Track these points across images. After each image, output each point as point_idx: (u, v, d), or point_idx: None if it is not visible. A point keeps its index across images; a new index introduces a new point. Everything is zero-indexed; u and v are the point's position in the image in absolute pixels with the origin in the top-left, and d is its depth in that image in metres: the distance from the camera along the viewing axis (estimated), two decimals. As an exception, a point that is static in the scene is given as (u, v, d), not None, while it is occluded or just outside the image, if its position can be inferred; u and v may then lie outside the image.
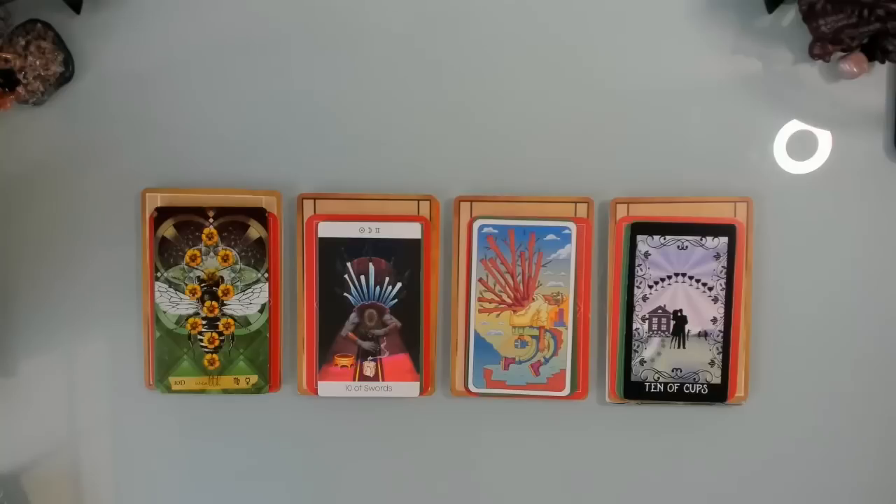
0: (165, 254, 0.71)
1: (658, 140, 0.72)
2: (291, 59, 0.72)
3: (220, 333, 0.72)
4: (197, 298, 0.71)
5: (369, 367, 0.72)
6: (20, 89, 0.70)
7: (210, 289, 0.71)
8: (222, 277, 0.71)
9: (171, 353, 0.72)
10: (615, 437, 0.74)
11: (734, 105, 0.71)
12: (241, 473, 0.75)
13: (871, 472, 0.74)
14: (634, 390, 0.72)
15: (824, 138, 0.72)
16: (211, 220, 0.71)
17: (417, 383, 0.72)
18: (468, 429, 0.74)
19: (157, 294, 0.71)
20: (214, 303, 0.71)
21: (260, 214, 0.71)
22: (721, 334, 0.71)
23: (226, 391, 0.72)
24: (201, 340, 0.72)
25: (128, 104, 0.72)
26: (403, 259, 0.71)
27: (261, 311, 0.72)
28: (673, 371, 0.71)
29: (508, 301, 0.72)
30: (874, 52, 0.68)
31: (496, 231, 0.71)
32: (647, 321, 0.71)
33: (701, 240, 0.70)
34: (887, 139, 0.71)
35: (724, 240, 0.70)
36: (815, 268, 0.72)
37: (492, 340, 0.72)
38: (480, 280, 0.72)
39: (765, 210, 0.72)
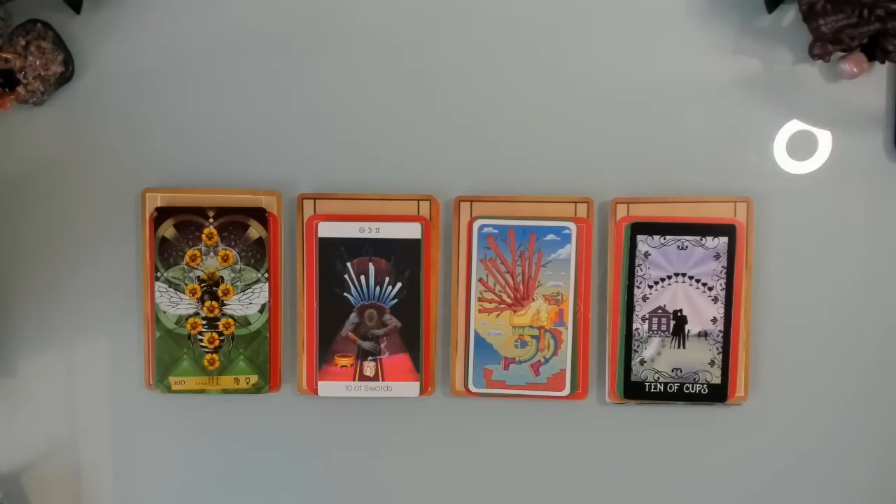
0: (165, 254, 0.71)
1: (658, 140, 0.72)
2: (292, 59, 0.72)
3: (220, 333, 0.72)
4: (197, 298, 0.71)
5: (369, 367, 0.72)
6: (20, 89, 0.70)
7: (210, 289, 0.71)
8: (222, 277, 0.71)
9: (171, 353, 0.72)
10: (615, 437, 0.74)
11: (734, 105, 0.71)
12: (240, 473, 0.75)
13: (872, 473, 0.74)
14: (634, 390, 0.72)
15: (824, 138, 0.72)
16: (211, 220, 0.71)
17: (417, 383, 0.72)
18: (468, 429, 0.74)
19: (157, 294, 0.71)
20: (214, 303, 0.71)
21: (260, 214, 0.71)
22: (721, 334, 0.71)
23: (226, 391, 0.72)
24: (201, 340, 0.72)
25: (128, 104, 0.72)
26: (403, 259, 0.71)
27: (261, 311, 0.72)
28: (673, 371, 0.71)
29: (508, 301, 0.72)
30: (874, 52, 0.68)
31: (496, 231, 0.71)
32: (647, 321, 0.71)
33: (701, 240, 0.70)
34: (887, 139, 0.71)
35: (724, 240, 0.70)
36: (816, 268, 0.72)
37: (492, 340, 0.72)
38: (480, 280, 0.72)
39: (765, 210, 0.72)
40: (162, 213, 0.71)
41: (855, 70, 0.69)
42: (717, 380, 0.71)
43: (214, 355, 0.72)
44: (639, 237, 0.71)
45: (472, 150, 0.72)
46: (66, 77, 0.71)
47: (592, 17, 0.71)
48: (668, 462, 0.74)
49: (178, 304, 0.71)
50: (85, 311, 0.73)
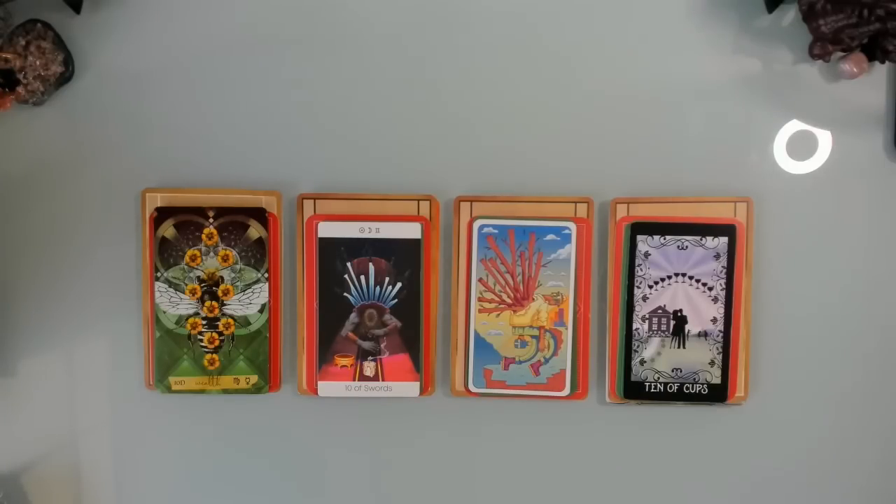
0: (165, 254, 0.71)
1: (658, 140, 0.72)
2: (292, 59, 0.72)
3: (220, 333, 0.72)
4: (197, 298, 0.71)
5: (369, 367, 0.72)
6: (20, 89, 0.70)
7: (210, 289, 0.71)
8: (222, 277, 0.71)
9: (171, 353, 0.72)
10: (615, 437, 0.74)
11: (734, 105, 0.71)
12: (240, 473, 0.75)
13: (871, 473, 0.74)
14: (634, 390, 0.72)
15: (824, 138, 0.72)
16: (211, 220, 0.71)
17: (417, 383, 0.72)
18: (468, 429, 0.74)
19: (157, 294, 0.71)
20: (214, 303, 0.71)
21: (260, 214, 0.71)
22: (721, 334, 0.71)
23: (226, 391, 0.72)
24: (201, 340, 0.72)
25: (128, 104, 0.72)
26: (403, 259, 0.71)
27: (261, 311, 0.72)
28: (673, 371, 0.71)
29: (508, 301, 0.72)
30: (874, 52, 0.68)
31: (496, 231, 0.71)
32: (647, 321, 0.71)
33: (701, 240, 0.70)
34: (887, 139, 0.71)
35: (724, 240, 0.70)
36: (816, 268, 0.72)
37: (492, 340, 0.72)
38: (480, 280, 0.72)
39: (765, 210, 0.72)
40: (162, 213, 0.71)
41: (855, 70, 0.69)
42: (717, 380, 0.71)
43: (214, 355, 0.72)
44: (639, 237, 0.71)
45: (472, 150, 0.72)
46: (66, 77, 0.71)
47: (592, 17, 0.71)
48: (668, 462, 0.74)
49: (178, 304, 0.71)
50: (85, 311, 0.73)
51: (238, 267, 0.71)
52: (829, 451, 0.74)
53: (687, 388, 0.71)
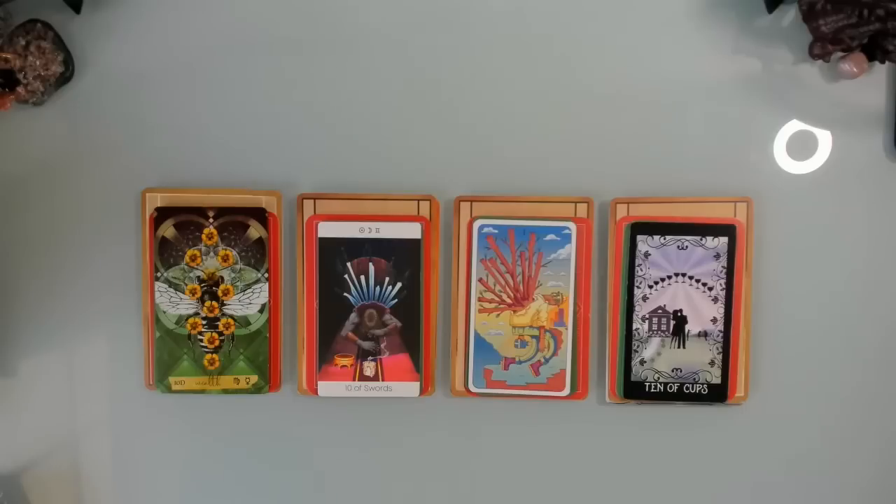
0: (165, 254, 0.71)
1: (658, 140, 0.72)
2: (292, 59, 0.72)
3: (220, 333, 0.72)
4: (197, 298, 0.71)
5: (369, 367, 0.72)
6: (20, 89, 0.70)
7: (210, 289, 0.71)
8: (222, 277, 0.71)
9: (171, 353, 0.72)
10: (615, 437, 0.74)
11: (734, 105, 0.71)
12: (240, 473, 0.75)
13: (871, 473, 0.74)
14: (634, 390, 0.72)
15: (824, 138, 0.72)
16: (211, 220, 0.71)
17: (417, 383, 0.72)
18: (468, 429, 0.74)
19: (157, 294, 0.71)
20: (214, 303, 0.71)
21: (260, 214, 0.71)
22: (721, 334, 0.71)
23: (226, 391, 0.72)
24: (201, 340, 0.72)
25: (128, 104, 0.72)
26: (403, 259, 0.71)
27: (261, 311, 0.72)
28: (673, 371, 0.71)
29: (508, 301, 0.72)
30: (874, 52, 0.68)
31: (496, 231, 0.71)
32: (647, 321, 0.71)
33: (701, 240, 0.70)
34: (887, 139, 0.71)
35: (724, 240, 0.70)
36: (816, 268, 0.72)
37: (492, 340, 0.72)
38: (480, 280, 0.72)
39: (765, 210, 0.72)
40: (162, 213, 0.71)
41: (855, 70, 0.69)
42: (717, 380, 0.71)
43: (214, 355, 0.72)
44: (639, 237, 0.71)
45: (472, 150, 0.72)
46: (66, 77, 0.71)
47: (592, 17, 0.71)
48: (667, 462, 0.74)
49: (178, 304, 0.71)
50: (85, 311, 0.73)
51: (238, 267, 0.71)
52: (829, 450, 0.74)
53: (687, 388, 0.71)
